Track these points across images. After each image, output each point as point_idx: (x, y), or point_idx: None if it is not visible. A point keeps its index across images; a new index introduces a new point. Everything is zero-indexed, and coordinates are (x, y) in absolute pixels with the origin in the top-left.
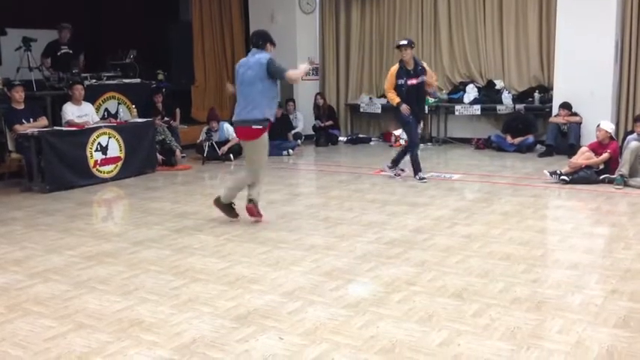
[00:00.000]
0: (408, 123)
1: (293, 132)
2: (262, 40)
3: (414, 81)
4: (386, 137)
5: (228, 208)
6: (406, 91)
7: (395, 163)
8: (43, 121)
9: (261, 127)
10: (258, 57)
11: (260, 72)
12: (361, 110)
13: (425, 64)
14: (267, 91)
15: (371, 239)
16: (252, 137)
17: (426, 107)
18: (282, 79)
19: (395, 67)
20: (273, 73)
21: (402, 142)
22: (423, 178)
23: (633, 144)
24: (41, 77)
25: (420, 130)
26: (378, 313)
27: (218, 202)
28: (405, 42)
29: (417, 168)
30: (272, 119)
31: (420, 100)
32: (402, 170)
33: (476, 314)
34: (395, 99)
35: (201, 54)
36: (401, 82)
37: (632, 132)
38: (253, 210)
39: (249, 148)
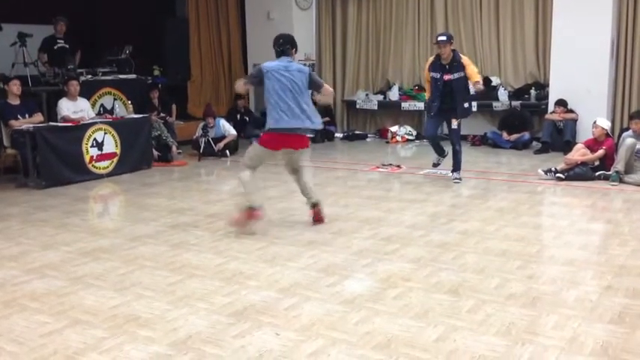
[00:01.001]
0: (428, 115)
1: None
2: (290, 44)
3: (449, 77)
4: (382, 134)
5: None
6: (442, 86)
7: (455, 167)
8: (39, 117)
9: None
10: (298, 66)
11: (305, 81)
12: (357, 106)
13: (464, 59)
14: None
15: (367, 235)
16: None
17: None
18: (319, 92)
19: (430, 60)
20: (315, 85)
21: (399, 138)
22: (436, 164)
23: (629, 141)
24: (36, 73)
25: (454, 127)
26: (374, 308)
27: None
28: (444, 37)
29: (437, 152)
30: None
31: (453, 96)
32: (398, 166)
33: (471, 310)
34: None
35: (198, 50)
36: (434, 75)
37: (627, 129)
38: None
39: (302, 155)
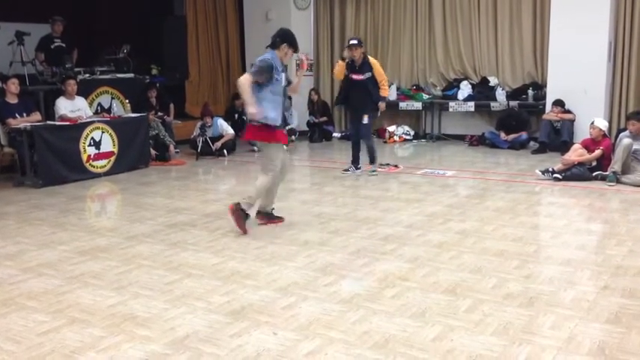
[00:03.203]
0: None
1: (287, 128)
2: (279, 38)
3: (359, 77)
4: (380, 133)
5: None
6: (350, 85)
7: (371, 161)
8: (37, 116)
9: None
10: (263, 56)
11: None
12: None
13: (373, 61)
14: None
15: (365, 235)
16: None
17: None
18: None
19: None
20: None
21: (396, 138)
22: (346, 170)
23: (625, 141)
24: (34, 72)
25: (365, 122)
26: (371, 308)
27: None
28: (355, 42)
29: (353, 160)
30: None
31: (362, 95)
32: (396, 166)
33: (469, 310)
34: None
35: (196, 49)
36: (347, 72)
37: (624, 129)
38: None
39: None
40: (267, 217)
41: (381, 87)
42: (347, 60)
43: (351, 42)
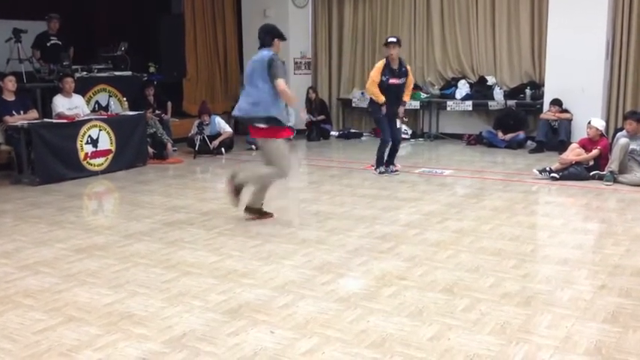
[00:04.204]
0: (381, 120)
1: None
2: (269, 35)
3: (395, 80)
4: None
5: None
6: (386, 89)
7: (378, 162)
8: (34, 113)
9: (266, 125)
10: (262, 54)
11: (262, 69)
12: (353, 105)
13: (409, 68)
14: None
15: (362, 234)
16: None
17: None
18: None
19: (381, 63)
20: (271, 75)
21: None
22: (383, 172)
23: (622, 141)
24: (31, 69)
25: (399, 130)
26: (368, 307)
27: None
28: (394, 39)
29: (378, 163)
30: (284, 120)
31: (397, 100)
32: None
33: (466, 309)
34: (380, 97)
35: (193, 47)
36: (384, 79)
37: (621, 129)
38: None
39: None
40: (257, 212)
41: (408, 92)
42: (385, 62)
43: (390, 39)
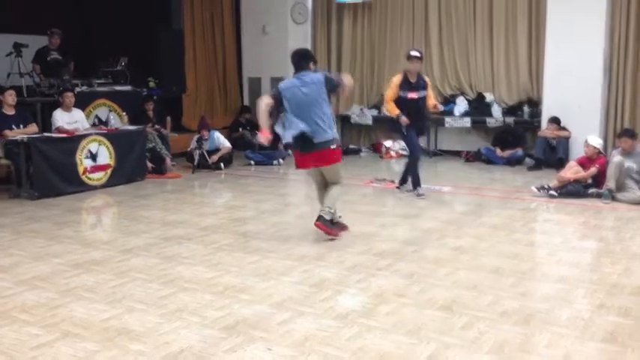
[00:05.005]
0: (406, 136)
1: (284, 142)
2: (304, 60)
3: (414, 94)
4: (376, 148)
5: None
6: (405, 104)
7: (403, 181)
8: (33, 127)
9: (335, 147)
10: (312, 77)
11: (321, 90)
12: (352, 121)
13: (428, 80)
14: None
15: (360, 250)
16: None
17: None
18: (337, 91)
19: (397, 78)
20: (332, 86)
21: (393, 153)
22: (422, 195)
23: (617, 159)
24: (32, 83)
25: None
26: (366, 324)
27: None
28: (417, 54)
29: (415, 182)
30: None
31: (419, 114)
32: (392, 182)
33: (464, 327)
34: (394, 110)
35: (193, 62)
36: (402, 94)
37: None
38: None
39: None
40: (338, 224)
41: (431, 100)
42: (401, 78)
43: (413, 53)
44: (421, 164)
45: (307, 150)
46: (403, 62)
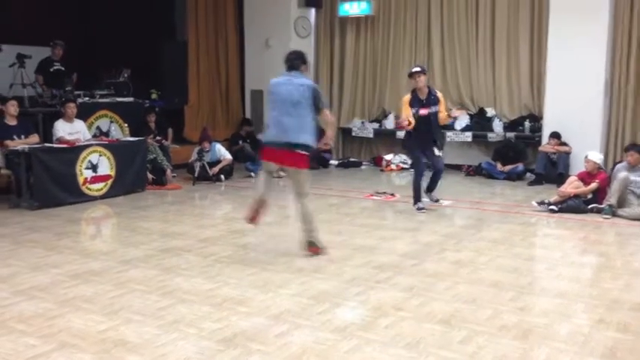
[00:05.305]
0: (411, 152)
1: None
2: (300, 60)
3: (424, 111)
4: (377, 162)
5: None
6: (418, 121)
7: (415, 198)
8: (35, 138)
9: (306, 153)
10: (302, 80)
11: (306, 95)
12: (353, 134)
13: (439, 94)
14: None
15: (360, 263)
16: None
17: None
18: (317, 113)
19: (407, 97)
20: (316, 102)
21: (394, 166)
22: (422, 209)
23: (622, 175)
24: (34, 94)
25: (440, 154)
26: (365, 337)
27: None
28: (417, 69)
29: (416, 196)
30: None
31: (433, 130)
32: (392, 195)
33: (463, 341)
34: (409, 118)
35: (196, 74)
36: (414, 111)
37: (621, 161)
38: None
39: (298, 176)
40: (317, 245)
41: (442, 115)
42: (410, 96)
43: (414, 69)
44: (422, 178)
45: (275, 145)
46: (404, 76)
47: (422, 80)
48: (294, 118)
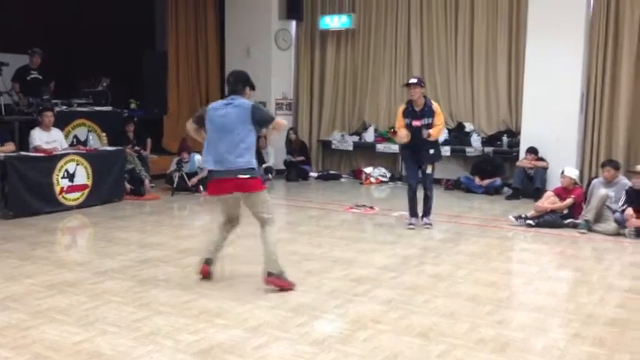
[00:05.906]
0: (405, 163)
1: (264, 166)
2: (241, 83)
3: (418, 122)
4: (357, 174)
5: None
6: (412, 133)
7: (410, 212)
8: (11, 146)
9: (251, 176)
10: (240, 102)
11: (244, 117)
12: (333, 147)
13: (435, 106)
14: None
15: (338, 276)
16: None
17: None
18: (267, 127)
19: (402, 107)
20: (261, 121)
21: (373, 179)
22: (411, 225)
23: (602, 192)
24: (10, 102)
25: (429, 172)
26: (343, 350)
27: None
28: (414, 80)
29: (410, 212)
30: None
31: (423, 143)
32: (372, 208)
33: (441, 355)
34: (401, 131)
35: (176, 84)
36: (407, 122)
37: (597, 177)
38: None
39: (254, 199)
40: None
41: (434, 130)
42: (405, 106)
43: (410, 80)
44: (414, 193)
45: (218, 175)
46: (384, 90)
47: (417, 92)
48: (228, 143)
